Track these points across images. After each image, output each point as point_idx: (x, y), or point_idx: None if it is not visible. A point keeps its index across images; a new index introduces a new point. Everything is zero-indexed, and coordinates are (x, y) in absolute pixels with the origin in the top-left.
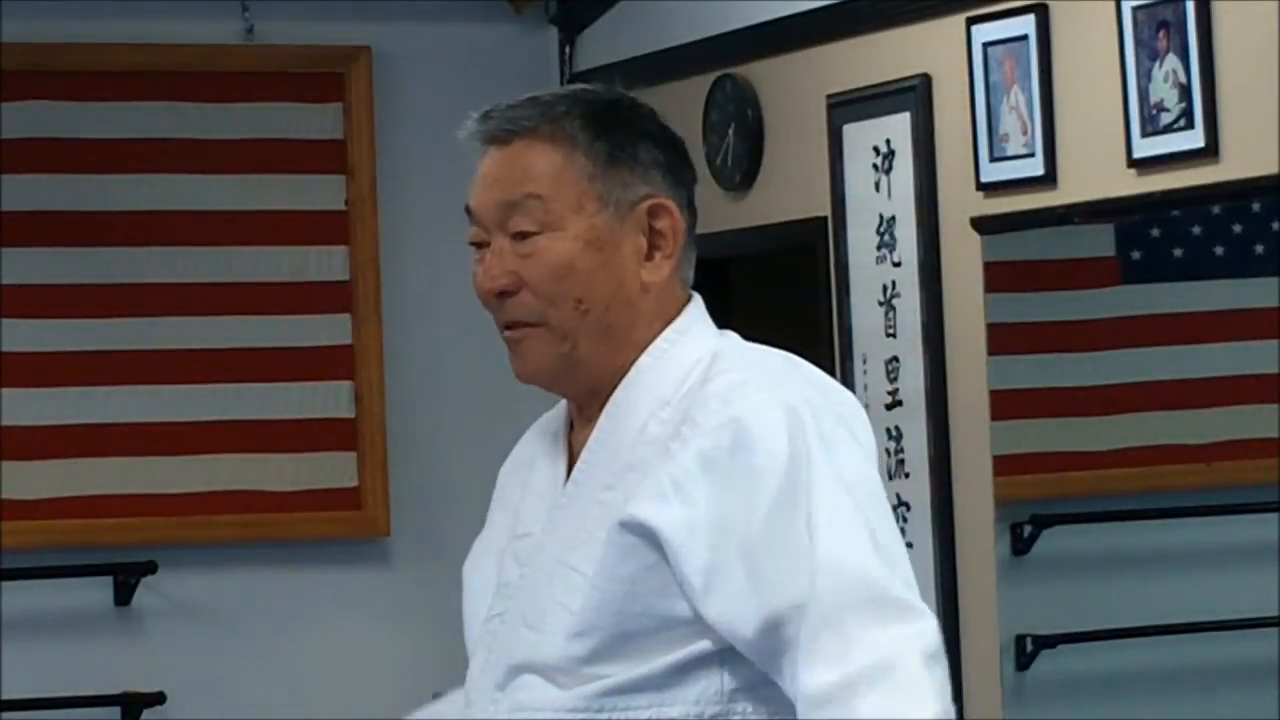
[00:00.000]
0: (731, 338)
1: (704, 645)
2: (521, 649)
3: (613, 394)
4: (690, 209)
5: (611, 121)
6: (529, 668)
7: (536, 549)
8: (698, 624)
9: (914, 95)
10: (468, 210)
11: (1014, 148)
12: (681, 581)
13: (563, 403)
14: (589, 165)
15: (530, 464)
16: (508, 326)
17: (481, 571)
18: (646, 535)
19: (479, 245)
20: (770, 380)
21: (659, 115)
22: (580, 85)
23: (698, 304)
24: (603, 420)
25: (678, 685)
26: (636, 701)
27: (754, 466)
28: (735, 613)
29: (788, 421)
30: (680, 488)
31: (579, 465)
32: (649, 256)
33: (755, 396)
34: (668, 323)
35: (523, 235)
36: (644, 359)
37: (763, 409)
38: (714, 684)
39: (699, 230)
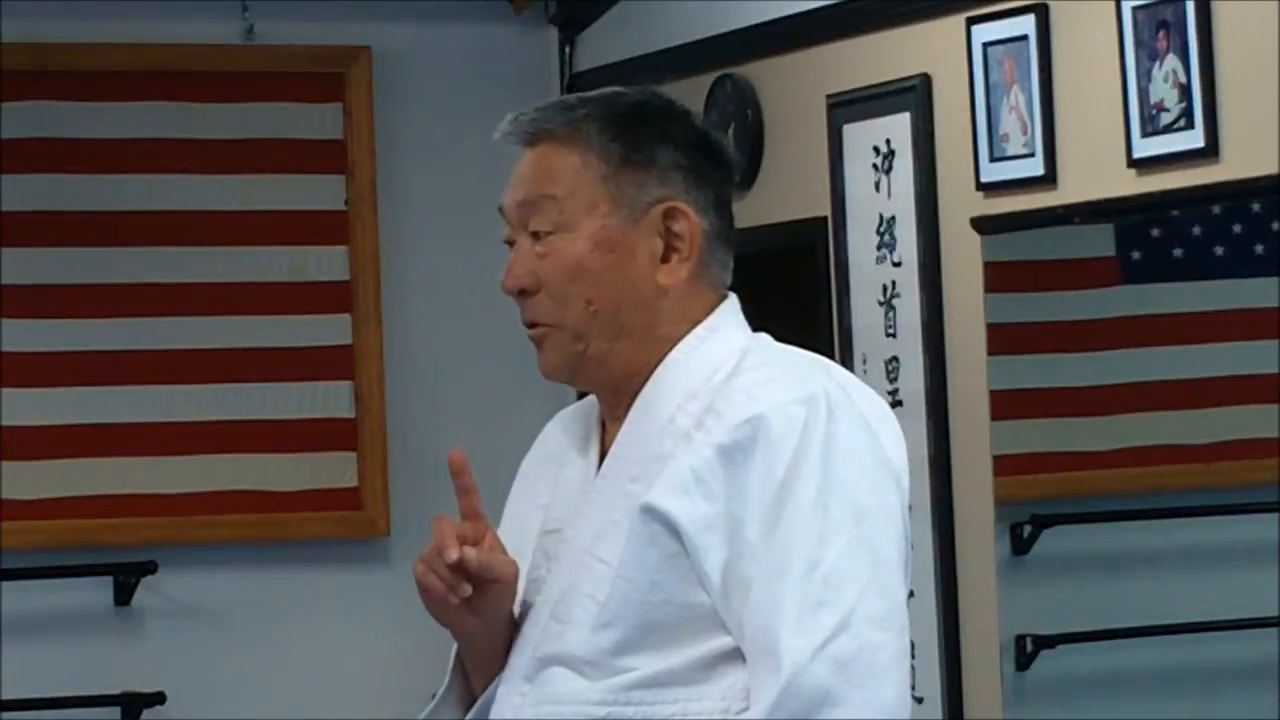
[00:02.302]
0: (763, 338)
1: (730, 640)
2: (549, 641)
3: (642, 390)
4: (719, 212)
5: (630, 124)
6: (557, 660)
7: (563, 542)
8: (720, 617)
9: (914, 95)
10: (500, 210)
11: (1014, 148)
12: (701, 576)
13: (592, 397)
14: (602, 167)
15: (559, 459)
16: (529, 325)
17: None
18: (668, 525)
19: (511, 244)
20: (796, 378)
21: (693, 118)
22: (616, 89)
23: (731, 304)
24: (631, 415)
25: (705, 680)
26: (664, 696)
27: (770, 465)
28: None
29: (804, 422)
30: (701, 481)
31: (608, 459)
32: (665, 259)
33: (780, 394)
34: (697, 322)
35: (540, 235)
36: (673, 355)
37: (786, 407)
38: (741, 680)
39: None
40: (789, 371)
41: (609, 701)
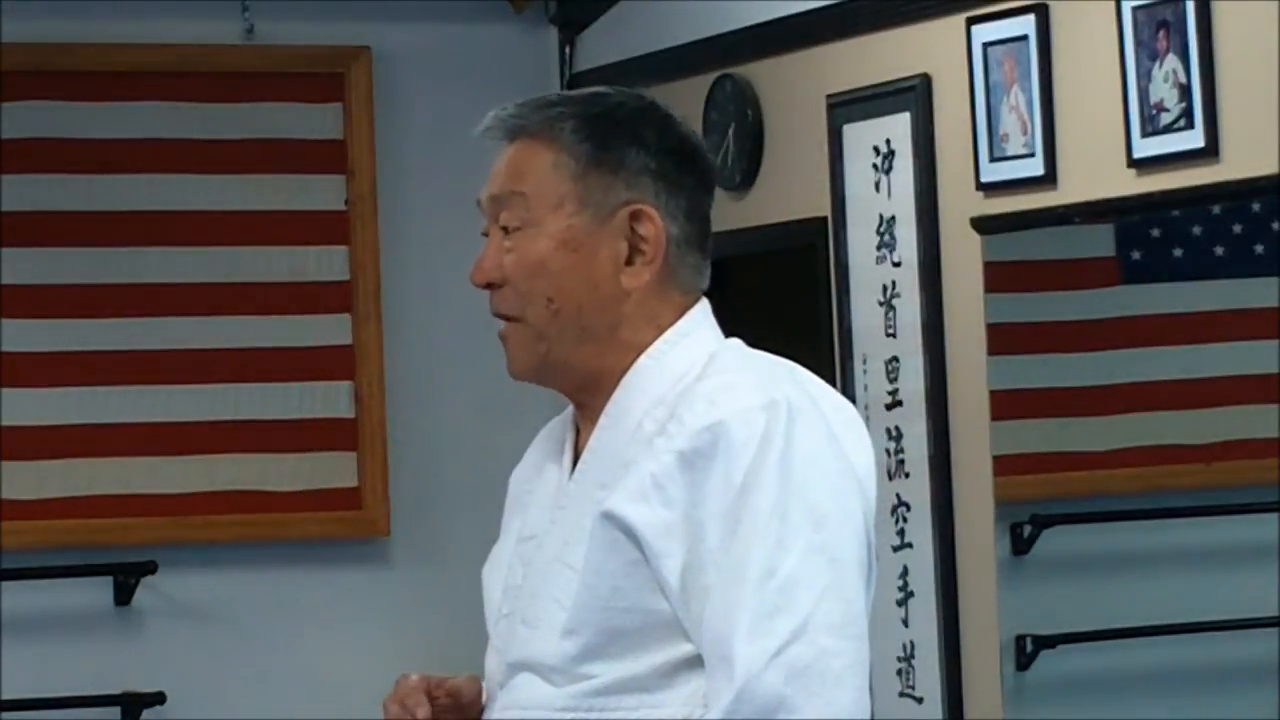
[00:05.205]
0: (734, 343)
1: (691, 648)
2: (520, 648)
3: (613, 395)
4: (690, 218)
5: (603, 125)
6: (526, 666)
7: (537, 549)
8: (681, 624)
9: (914, 95)
10: (478, 203)
11: (1014, 148)
12: (661, 583)
13: (571, 406)
14: (573, 166)
15: (540, 468)
16: (497, 317)
17: (498, 579)
18: (627, 532)
19: (487, 236)
20: (759, 384)
21: (674, 122)
22: (600, 89)
23: (703, 308)
24: (602, 420)
25: (666, 687)
26: (626, 702)
27: (729, 471)
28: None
29: (765, 427)
30: (661, 488)
31: (579, 466)
32: (629, 262)
33: (742, 400)
34: (664, 327)
35: (509, 230)
36: (643, 360)
37: (747, 413)
38: (703, 687)
39: None
40: (753, 377)
41: (571, 708)
